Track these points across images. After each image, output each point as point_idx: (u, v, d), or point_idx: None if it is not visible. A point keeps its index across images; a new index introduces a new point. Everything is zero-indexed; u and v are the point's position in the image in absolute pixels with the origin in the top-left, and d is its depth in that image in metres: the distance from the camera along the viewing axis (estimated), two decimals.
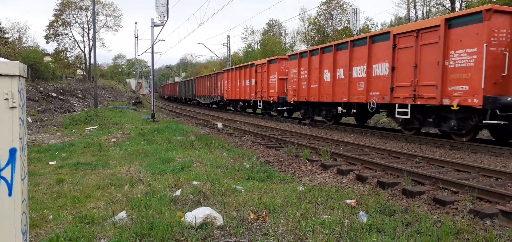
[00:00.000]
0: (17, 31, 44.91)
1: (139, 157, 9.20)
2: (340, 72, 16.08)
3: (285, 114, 23.30)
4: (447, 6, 36.27)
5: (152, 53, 22.30)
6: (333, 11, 43.94)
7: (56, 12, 56.96)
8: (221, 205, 5.10)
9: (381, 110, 14.98)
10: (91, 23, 54.65)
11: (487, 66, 10.02)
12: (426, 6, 41.29)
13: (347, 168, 8.18)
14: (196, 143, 11.83)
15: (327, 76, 16.96)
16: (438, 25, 11.27)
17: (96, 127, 16.81)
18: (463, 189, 6.08)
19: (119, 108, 28.13)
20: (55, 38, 57.98)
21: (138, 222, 4.34)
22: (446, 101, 11.14)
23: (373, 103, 14.21)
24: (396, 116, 13.11)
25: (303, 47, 50.64)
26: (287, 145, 11.68)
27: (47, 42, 58.47)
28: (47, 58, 48.60)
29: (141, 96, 55.95)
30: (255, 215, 4.67)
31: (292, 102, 20.32)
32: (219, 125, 18.30)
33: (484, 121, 10.35)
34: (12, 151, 2.59)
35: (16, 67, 2.58)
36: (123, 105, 34.58)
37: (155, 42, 21.96)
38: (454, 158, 9.24)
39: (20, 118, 2.65)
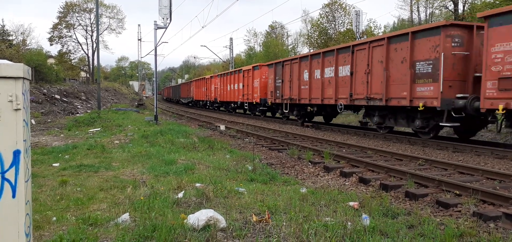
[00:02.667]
0: (21, 33, 45.19)
1: (142, 159, 9.22)
2: (231, 86, 31.56)
3: (223, 108, 36.89)
4: (450, 8, 36.16)
5: (155, 55, 22.37)
6: (335, 13, 43.85)
7: (60, 15, 57.26)
8: (224, 207, 5.10)
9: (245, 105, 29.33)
10: (94, 26, 54.91)
11: (261, 88, 25.69)
12: (429, 7, 41.17)
13: (350, 170, 8.17)
14: (199, 145, 11.85)
15: (229, 87, 32.25)
16: (250, 69, 27.42)
17: (99, 129, 16.87)
18: (467, 192, 6.06)
19: (122, 110, 28.20)
20: (58, 40, 58.27)
21: (141, 224, 4.35)
22: (253, 101, 26.77)
23: (239, 102, 29.63)
24: (245, 107, 29.21)
25: (305, 50, 50.82)
26: (289, 147, 11.68)
27: (51, 45, 58.82)
28: (50, 60, 48.84)
29: (144, 98, 56.15)
30: (257, 217, 4.67)
31: (218, 101, 35.77)
32: (222, 127, 18.32)
33: (260, 108, 26.14)
34: (16, 153, 2.60)
35: (20, 69, 2.60)
36: (126, 107, 34.67)
37: (158, 44, 22.03)
38: (457, 161, 9.21)
39: (24, 120, 2.66)
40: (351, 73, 15.42)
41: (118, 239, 3.97)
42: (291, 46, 58.67)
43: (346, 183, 7.41)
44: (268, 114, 27.03)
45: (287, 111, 21.71)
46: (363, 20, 33.31)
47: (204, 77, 41.92)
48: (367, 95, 14.63)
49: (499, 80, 9.80)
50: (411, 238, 4.21)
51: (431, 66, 11.90)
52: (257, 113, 27.47)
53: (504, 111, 9.81)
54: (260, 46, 62.69)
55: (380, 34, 38.19)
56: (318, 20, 45.03)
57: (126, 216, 4.63)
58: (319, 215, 4.87)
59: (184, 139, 12.83)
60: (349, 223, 4.44)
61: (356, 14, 32.39)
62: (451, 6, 35.57)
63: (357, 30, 32.22)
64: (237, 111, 32.30)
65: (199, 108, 43.64)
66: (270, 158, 10.21)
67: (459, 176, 7.66)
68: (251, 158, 9.18)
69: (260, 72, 25.70)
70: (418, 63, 12.38)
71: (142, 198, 5.45)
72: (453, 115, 11.39)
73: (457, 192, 6.19)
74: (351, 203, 5.45)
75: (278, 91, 22.47)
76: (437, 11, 39.80)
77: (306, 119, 21.21)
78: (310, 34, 48.21)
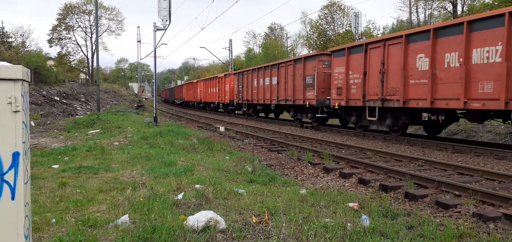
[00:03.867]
0: (21, 35, 45.17)
1: (142, 160, 9.21)
2: (211, 90, 37.31)
3: (207, 108, 41.42)
4: (449, 9, 36.23)
5: (155, 57, 22.36)
6: (334, 14, 43.86)
7: (60, 16, 57.30)
8: (223, 208, 5.09)
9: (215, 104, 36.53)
10: (94, 27, 54.85)
11: (230, 91, 31.76)
12: (428, 9, 41.24)
13: (350, 171, 8.16)
14: (198, 146, 11.84)
15: (210, 90, 37.91)
16: (223, 76, 33.85)
17: (98, 130, 16.86)
18: (466, 192, 6.06)
19: (121, 112, 28.15)
20: (58, 42, 58.32)
21: (141, 226, 4.34)
22: (225, 102, 32.69)
23: (216, 102, 35.21)
24: (220, 107, 34.79)
25: (305, 51, 50.89)
26: (289, 148, 11.67)
27: (50, 46, 58.92)
28: (50, 62, 48.82)
29: (144, 99, 56.14)
30: (257, 219, 4.66)
31: (203, 102, 41.37)
32: (221, 129, 18.31)
33: (230, 107, 32.03)
34: (15, 155, 2.59)
35: (19, 71, 2.59)
36: (126, 108, 34.62)
37: (157, 46, 22.02)
38: (456, 162, 9.21)
39: (23, 122, 2.66)
40: (278, 82, 22.43)
41: (118, 241, 3.97)
42: (290, 48, 58.68)
43: (346, 184, 7.40)
44: (238, 112, 32.58)
45: (246, 109, 28.64)
46: (362, 21, 33.33)
47: (192, 81, 50.59)
48: (285, 98, 21.53)
49: (336, 89, 16.44)
50: (411, 239, 4.21)
51: (312, 79, 18.58)
52: (229, 111, 33.50)
53: (338, 106, 16.30)
54: (259, 47, 62.73)
55: (379, 35, 38.26)
56: (317, 21, 45.05)
57: (125, 217, 4.63)
58: (318, 216, 4.86)
59: (184, 141, 12.82)
60: (349, 224, 4.44)
61: (355, 15, 32.42)
62: (449, 7, 35.62)
63: (356, 31, 32.25)
64: (218, 110, 37.85)
65: (189, 108, 49.00)
66: (270, 159, 10.21)
67: (459, 176, 7.66)
68: (251, 159, 9.16)
69: (230, 79, 32.06)
70: (307, 77, 19.11)
71: (141, 199, 5.44)
72: (325, 110, 17.71)
73: (457, 192, 6.19)
74: (351, 204, 5.45)
75: (240, 94, 29.05)
76: (435, 12, 39.85)
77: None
78: (309, 36, 48.25)
